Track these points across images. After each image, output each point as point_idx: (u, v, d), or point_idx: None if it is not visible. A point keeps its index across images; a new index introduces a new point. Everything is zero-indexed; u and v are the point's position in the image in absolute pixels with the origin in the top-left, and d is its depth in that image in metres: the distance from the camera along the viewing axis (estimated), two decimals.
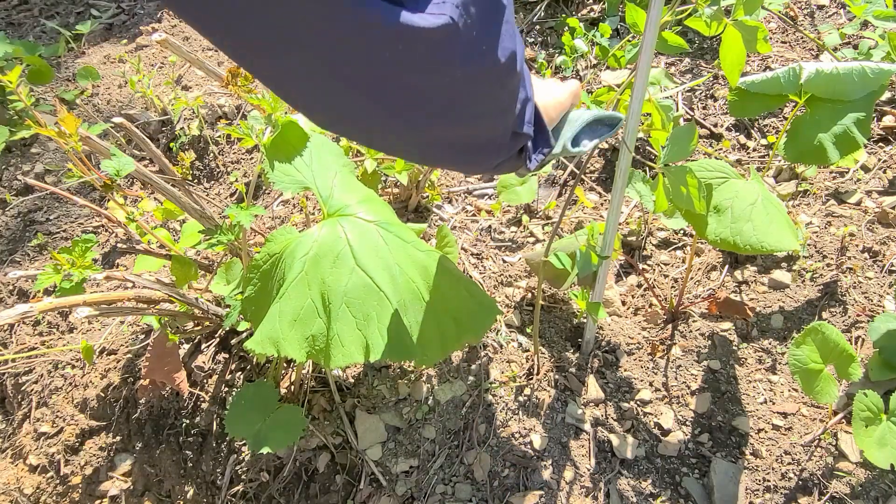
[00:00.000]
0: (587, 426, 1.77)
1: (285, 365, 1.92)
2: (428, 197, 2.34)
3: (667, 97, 2.58)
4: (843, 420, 1.66)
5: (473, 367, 1.89)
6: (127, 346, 2.23)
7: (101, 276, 1.43)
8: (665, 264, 2.15)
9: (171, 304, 1.80)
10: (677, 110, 2.66)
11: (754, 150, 2.46)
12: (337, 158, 1.68)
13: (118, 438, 2.12)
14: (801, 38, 2.73)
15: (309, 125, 1.88)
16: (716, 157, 2.41)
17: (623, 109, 2.01)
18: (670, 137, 1.57)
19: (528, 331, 1.97)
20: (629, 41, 2.81)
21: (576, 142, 1.52)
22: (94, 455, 2.12)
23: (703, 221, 1.63)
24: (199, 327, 2.03)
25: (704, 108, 2.60)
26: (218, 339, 2.08)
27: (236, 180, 2.71)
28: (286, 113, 1.67)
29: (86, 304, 1.56)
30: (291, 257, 1.42)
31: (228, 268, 1.92)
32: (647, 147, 2.48)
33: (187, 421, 2.01)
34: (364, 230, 1.47)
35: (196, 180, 2.83)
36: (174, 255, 1.88)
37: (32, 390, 2.28)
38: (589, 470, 1.70)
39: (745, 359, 1.85)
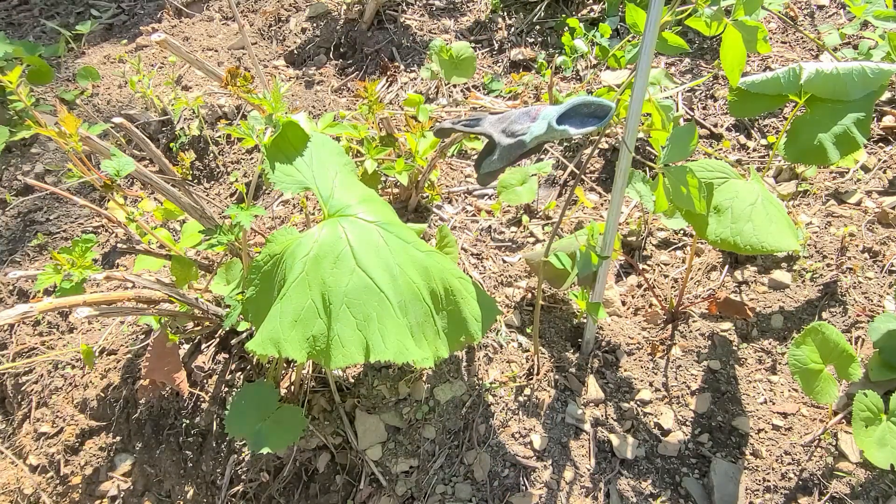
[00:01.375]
0: (587, 426, 1.77)
1: (285, 365, 1.92)
2: (428, 197, 2.34)
3: (667, 97, 2.58)
4: (843, 420, 1.66)
5: (473, 367, 1.89)
6: (127, 347, 2.23)
7: (101, 276, 1.43)
8: (665, 264, 2.15)
9: (171, 305, 1.81)
10: (677, 110, 2.66)
11: (754, 150, 2.46)
12: (338, 157, 1.68)
13: (118, 438, 2.12)
14: (801, 38, 2.73)
15: (310, 125, 1.88)
16: (716, 158, 2.41)
17: (623, 110, 2.01)
18: (670, 137, 1.57)
19: (528, 331, 1.97)
20: (629, 41, 2.81)
21: (560, 122, 1.53)
22: (94, 455, 2.12)
23: (703, 221, 1.63)
24: (199, 327, 2.03)
25: (704, 108, 2.60)
26: (218, 340, 2.08)
27: (236, 180, 2.71)
28: (286, 113, 1.68)
29: (86, 304, 1.56)
30: (292, 258, 1.42)
31: (228, 268, 1.92)
32: (647, 147, 2.48)
33: (187, 421, 2.01)
34: (364, 230, 1.47)
35: (196, 180, 2.83)
36: (174, 255, 1.88)
37: (32, 390, 2.28)
38: (589, 470, 1.70)
39: (745, 359, 1.85)
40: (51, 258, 1.96)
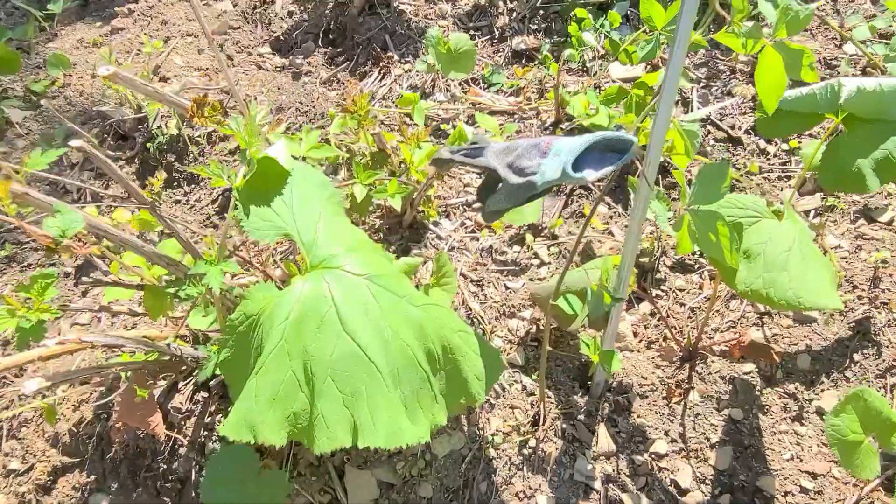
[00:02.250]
0: (598, 484, 1.62)
1: None
2: (423, 213, 2.16)
3: (692, 121, 2.38)
4: (881, 488, 1.52)
5: (474, 415, 1.73)
6: (100, 376, 2.07)
7: (52, 342, 1.26)
8: (680, 290, 1.99)
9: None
10: (692, 110, 2.47)
11: (775, 155, 2.27)
12: (321, 190, 1.50)
13: (93, 478, 1.98)
14: (825, 26, 2.53)
15: (292, 147, 1.69)
16: (737, 170, 2.21)
17: (644, 138, 1.81)
18: (699, 176, 1.39)
19: (534, 377, 1.80)
20: (643, 34, 2.59)
21: (577, 167, 1.33)
22: (68, 495, 1.98)
23: (731, 268, 1.46)
24: (175, 368, 1.86)
25: (721, 107, 2.41)
26: (195, 378, 1.92)
27: (217, 187, 2.52)
28: (265, 134, 1.49)
29: (41, 359, 1.39)
30: (270, 323, 1.25)
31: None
32: (662, 164, 2.29)
33: (164, 466, 1.86)
34: (352, 286, 1.30)
35: (176, 184, 2.63)
36: (147, 285, 1.71)
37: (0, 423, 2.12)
38: None
39: (770, 406, 1.70)
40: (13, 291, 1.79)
